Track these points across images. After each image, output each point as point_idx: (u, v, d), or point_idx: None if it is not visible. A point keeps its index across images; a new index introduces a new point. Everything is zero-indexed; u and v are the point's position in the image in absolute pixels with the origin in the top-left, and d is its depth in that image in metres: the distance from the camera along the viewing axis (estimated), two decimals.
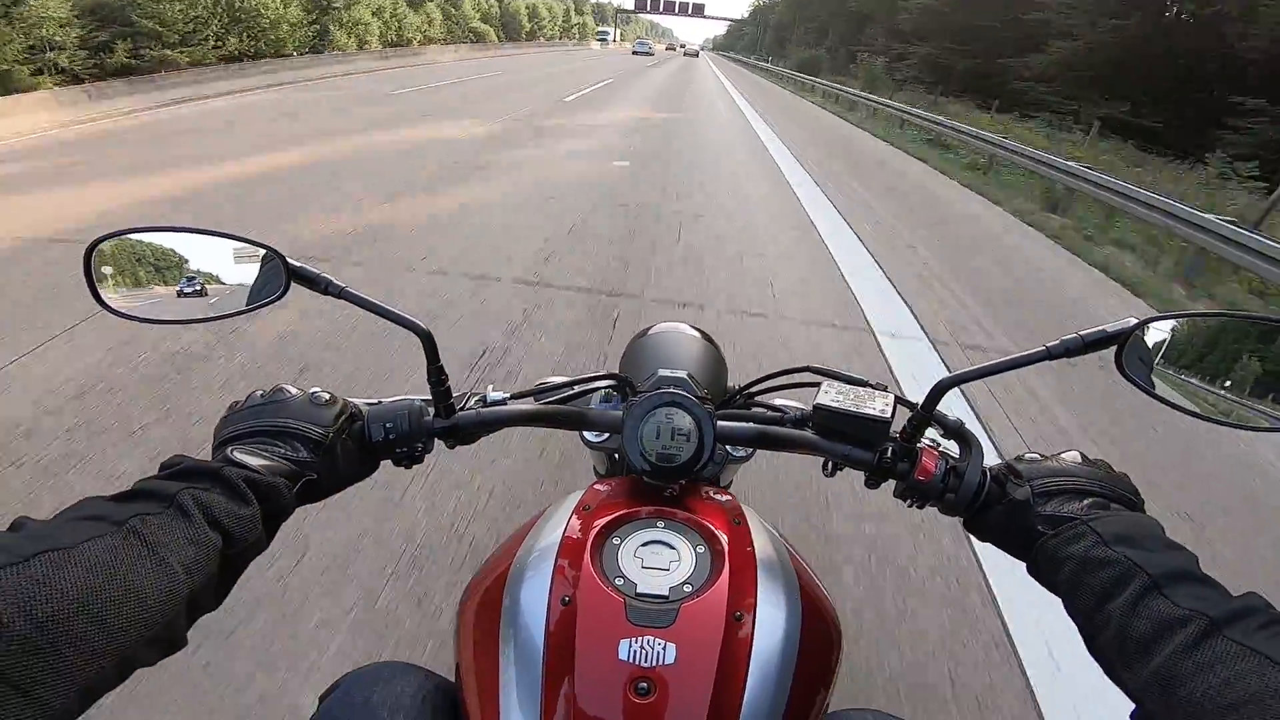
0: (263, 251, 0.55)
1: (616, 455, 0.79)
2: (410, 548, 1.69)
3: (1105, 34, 15.27)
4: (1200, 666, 0.35)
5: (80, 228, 3.94)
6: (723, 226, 4.93)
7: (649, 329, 0.91)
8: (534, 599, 0.50)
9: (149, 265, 0.55)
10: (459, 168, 6.26)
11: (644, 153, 7.84)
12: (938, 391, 0.53)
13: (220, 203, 4.71)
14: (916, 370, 2.90)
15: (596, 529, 0.53)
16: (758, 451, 0.70)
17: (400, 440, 0.56)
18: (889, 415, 0.55)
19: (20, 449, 1.95)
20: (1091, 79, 15.57)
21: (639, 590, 0.48)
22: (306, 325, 2.80)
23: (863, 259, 4.45)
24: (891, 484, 0.57)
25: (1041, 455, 0.55)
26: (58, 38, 9.00)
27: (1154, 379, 0.53)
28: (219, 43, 12.28)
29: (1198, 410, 0.53)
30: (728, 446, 0.70)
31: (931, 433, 0.57)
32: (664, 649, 0.45)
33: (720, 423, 0.58)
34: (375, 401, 0.58)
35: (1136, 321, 0.51)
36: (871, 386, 0.59)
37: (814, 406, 0.57)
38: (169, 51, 10.83)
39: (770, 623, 0.49)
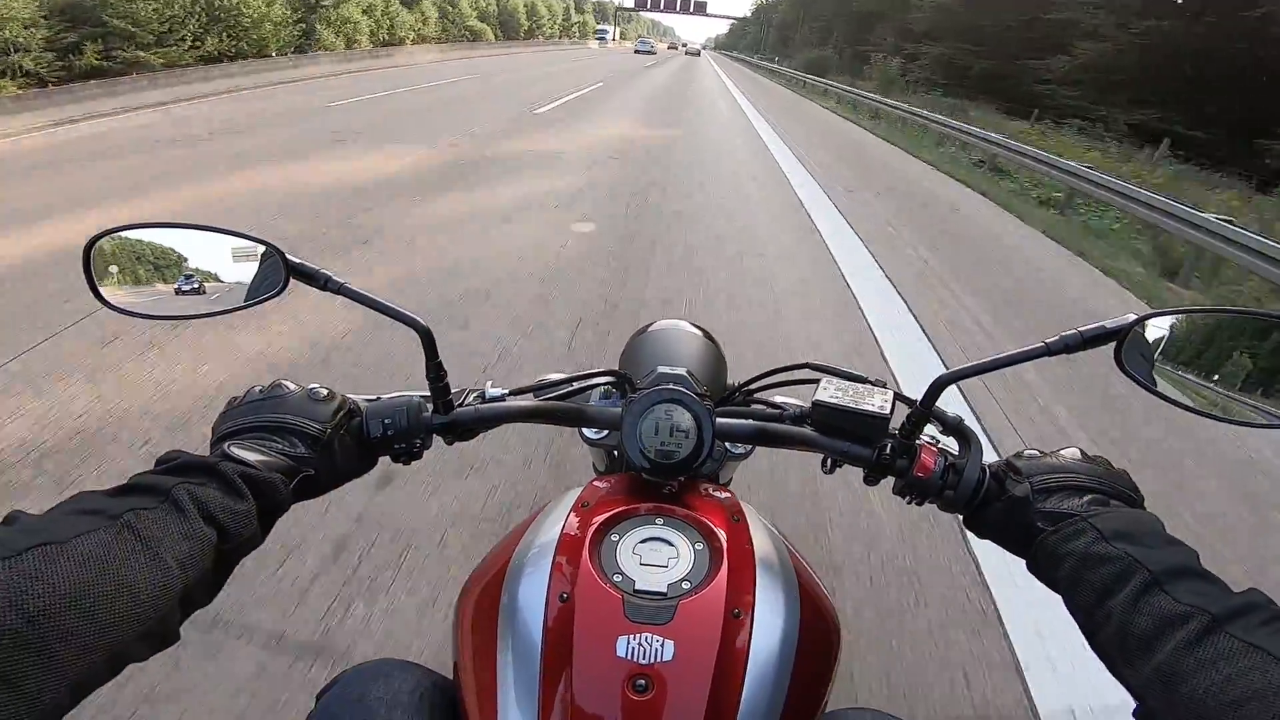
0: (262, 248, 0.58)
1: (616, 452, 0.82)
2: None
3: (1137, 35, 15.16)
4: (1202, 663, 0.37)
5: None
6: (748, 352, 3.03)
7: (649, 326, 0.94)
8: (532, 595, 0.52)
9: (149, 263, 0.59)
10: (327, 241, 4.17)
11: (622, 200, 5.65)
12: (936, 387, 0.56)
13: None
14: None
15: (595, 526, 0.56)
16: (757, 449, 0.73)
17: (398, 436, 0.59)
18: (888, 411, 0.58)
19: None
20: (1120, 83, 15.47)
21: (637, 587, 0.51)
22: None
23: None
24: (890, 480, 0.60)
25: (1041, 452, 0.57)
26: (21, 39, 9.07)
27: (1154, 375, 0.55)
28: (196, 43, 12.47)
29: (1196, 406, 0.56)
30: (727, 443, 0.74)
31: (931, 429, 0.60)
32: (662, 646, 0.47)
33: (719, 419, 0.61)
34: (374, 397, 0.61)
35: (1135, 318, 0.53)
36: (870, 383, 0.63)
37: (813, 403, 0.60)
38: (142, 53, 10.97)
39: (769, 620, 0.52)
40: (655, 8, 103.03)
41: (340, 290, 0.56)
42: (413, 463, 0.61)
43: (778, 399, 0.73)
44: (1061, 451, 0.57)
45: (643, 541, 0.55)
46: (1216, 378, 0.56)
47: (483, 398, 0.65)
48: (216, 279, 0.59)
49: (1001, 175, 9.15)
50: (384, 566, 1.72)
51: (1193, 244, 5.32)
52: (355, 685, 0.55)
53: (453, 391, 0.62)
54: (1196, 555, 0.45)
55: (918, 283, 4.25)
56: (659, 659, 0.47)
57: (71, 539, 0.36)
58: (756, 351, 3.08)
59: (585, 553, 0.53)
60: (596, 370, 0.71)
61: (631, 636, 0.48)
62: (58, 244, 3.77)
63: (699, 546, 0.55)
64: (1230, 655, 0.37)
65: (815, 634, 0.55)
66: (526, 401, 0.66)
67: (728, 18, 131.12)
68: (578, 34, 66.27)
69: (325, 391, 0.57)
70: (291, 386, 0.57)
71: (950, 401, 0.54)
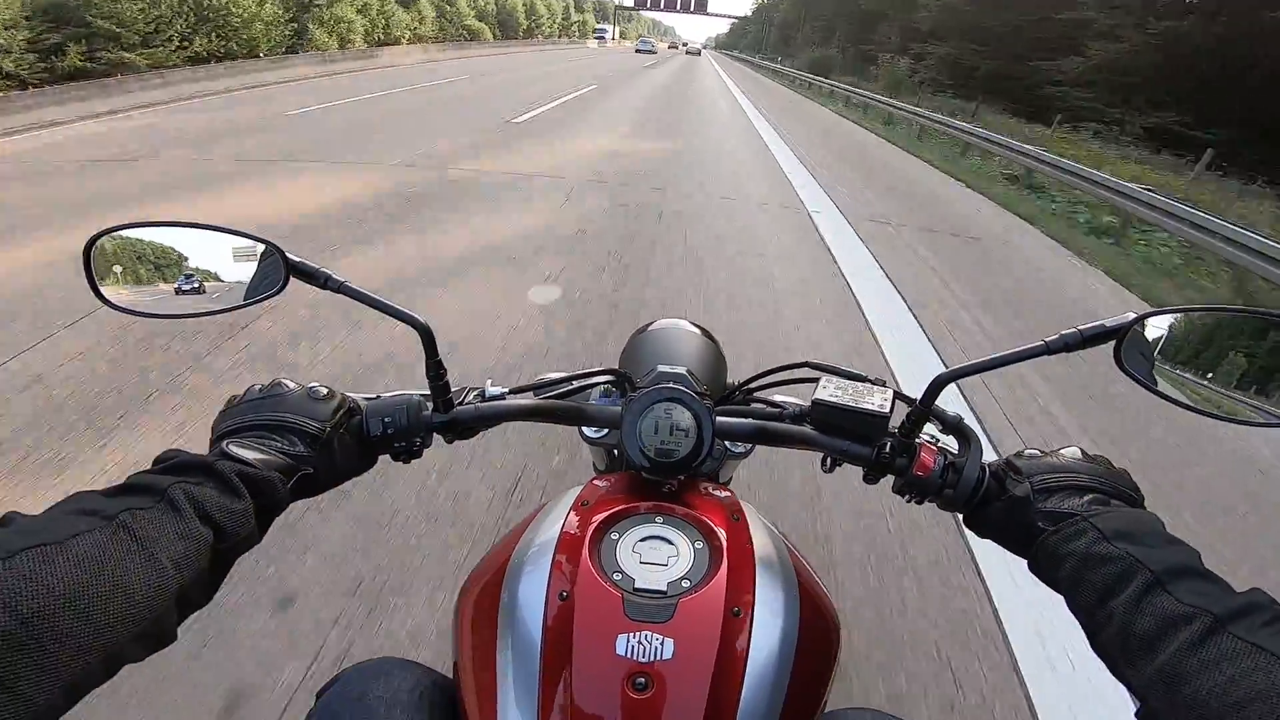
0: (261, 247, 0.60)
1: (615, 451, 0.84)
2: None
3: (1154, 35, 15.00)
4: (1205, 664, 0.38)
5: None
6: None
7: (649, 325, 0.97)
8: (532, 594, 0.54)
9: (149, 263, 0.61)
10: (123, 380, 2.51)
11: (603, 246, 4.45)
12: (936, 386, 0.58)
13: None
14: None
15: (595, 524, 0.58)
16: (757, 448, 0.75)
17: (398, 435, 0.60)
18: (887, 410, 0.60)
19: None
20: (1136, 84, 15.34)
21: (637, 585, 0.52)
22: None
23: None
24: (890, 479, 0.62)
25: (1041, 451, 0.59)
26: (2, 40, 9.11)
27: (1153, 374, 0.57)
28: (184, 44, 12.54)
29: (1195, 405, 0.57)
30: (726, 442, 0.76)
31: (930, 428, 0.62)
32: (661, 644, 0.49)
33: (719, 418, 0.63)
34: (374, 396, 0.63)
35: (1135, 316, 0.55)
36: (870, 382, 0.64)
37: (812, 402, 0.62)
38: (127, 54, 11.00)
39: (768, 619, 0.53)
40: (655, 6, 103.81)
41: (340, 289, 0.58)
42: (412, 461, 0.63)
43: (777, 398, 0.75)
44: (1062, 451, 0.58)
45: (642, 540, 0.57)
46: (1210, 375, 0.57)
47: (482, 396, 0.67)
48: (216, 278, 0.61)
49: (1038, 193, 8.43)
50: None
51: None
52: (356, 684, 0.57)
53: (452, 390, 0.64)
54: (1198, 555, 0.46)
55: (1002, 387, 3.03)
56: (659, 657, 0.48)
57: (67, 540, 0.36)
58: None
59: (585, 551, 0.55)
60: (597, 369, 0.72)
61: (631, 635, 0.49)
62: None
63: (699, 545, 0.57)
64: (1233, 656, 0.37)
65: (815, 633, 0.56)
66: (526, 400, 0.68)
67: (728, 16, 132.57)
68: (577, 33, 66.79)
69: (325, 390, 0.59)
70: (291, 385, 0.58)
71: (950, 402, 0.55)
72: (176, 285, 0.61)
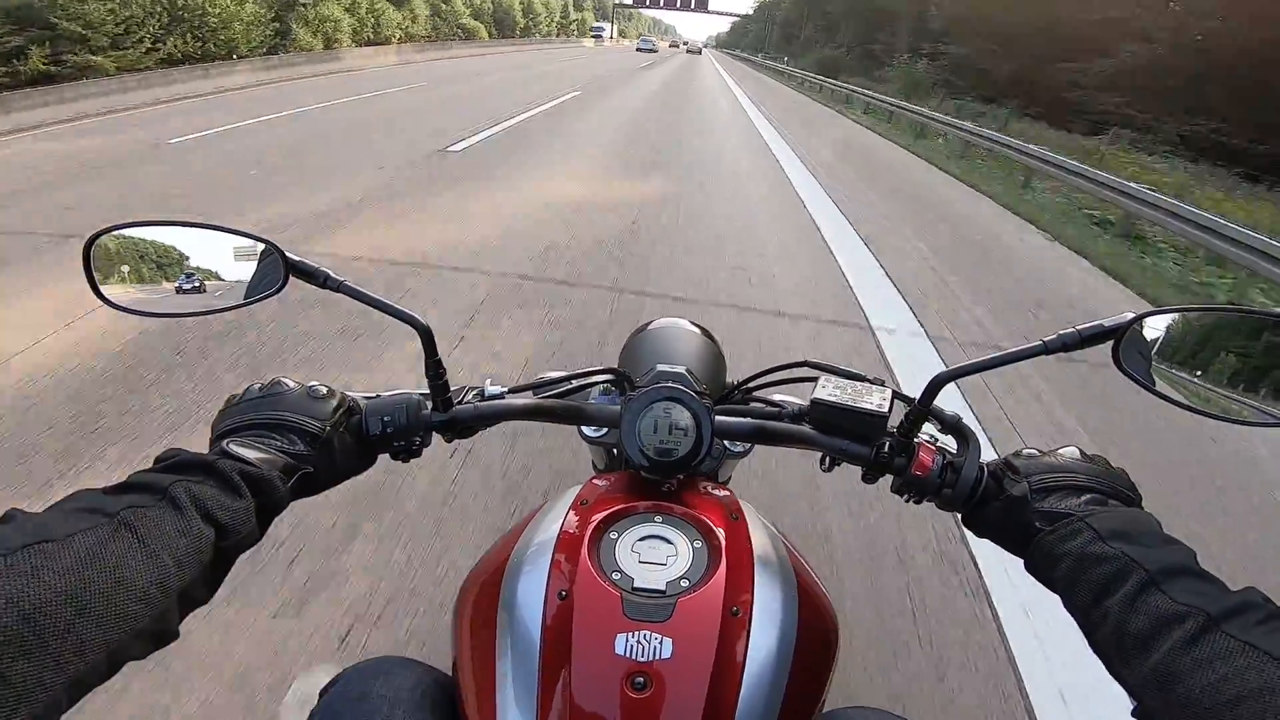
0: (261, 246, 0.65)
1: (615, 450, 0.87)
2: None
3: (1194, 37, 14.74)
4: (1199, 662, 0.40)
5: None
6: None
7: (648, 324, 1.01)
8: (531, 593, 0.57)
9: (151, 262, 0.65)
10: None
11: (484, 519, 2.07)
12: (935, 386, 0.61)
13: None
14: None
15: (594, 524, 0.61)
16: (756, 447, 0.78)
17: (398, 434, 0.64)
18: (886, 410, 0.64)
19: None
20: (1172, 89, 15.10)
21: (636, 585, 0.56)
22: None
23: None
24: (889, 479, 0.66)
25: (1039, 451, 0.62)
26: None
27: (1152, 374, 0.60)
28: (155, 45, 12.67)
29: (1193, 404, 0.61)
30: (725, 441, 0.80)
31: (929, 428, 0.66)
32: (660, 644, 0.52)
33: (718, 418, 0.67)
34: (373, 395, 0.67)
35: (1133, 316, 0.58)
36: (869, 381, 0.68)
37: (811, 401, 0.66)
38: (94, 57, 11.03)
39: (767, 618, 0.57)
40: (655, 5, 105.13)
41: (340, 288, 0.62)
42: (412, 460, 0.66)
43: (776, 397, 0.79)
44: (1060, 451, 0.62)
45: (641, 539, 0.60)
46: (1200, 374, 0.61)
47: (482, 395, 0.71)
48: (217, 277, 0.65)
49: (1141, 245, 6.86)
50: None
51: None
52: (357, 683, 0.60)
53: (452, 389, 0.68)
54: (1194, 554, 0.49)
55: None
56: (657, 657, 0.52)
57: (68, 537, 0.38)
58: None
59: (584, 550, 0.58)
60: (596, 368, 0.76)
61: (630, 634, 0.52)
62: None
63: (698, 544, 0.60)
64: (1227, 654, 0.40)
65: (814, 632, 0.60)
66: (526, 399, 0.72)
67: (729, 14, 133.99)
68: (575, 31, 67.61)
69: (324, 389, 0.62)
70: (291, 384, 0.62)
71: (951, 402, 0.58)
72: (178, 284, 0.65)
